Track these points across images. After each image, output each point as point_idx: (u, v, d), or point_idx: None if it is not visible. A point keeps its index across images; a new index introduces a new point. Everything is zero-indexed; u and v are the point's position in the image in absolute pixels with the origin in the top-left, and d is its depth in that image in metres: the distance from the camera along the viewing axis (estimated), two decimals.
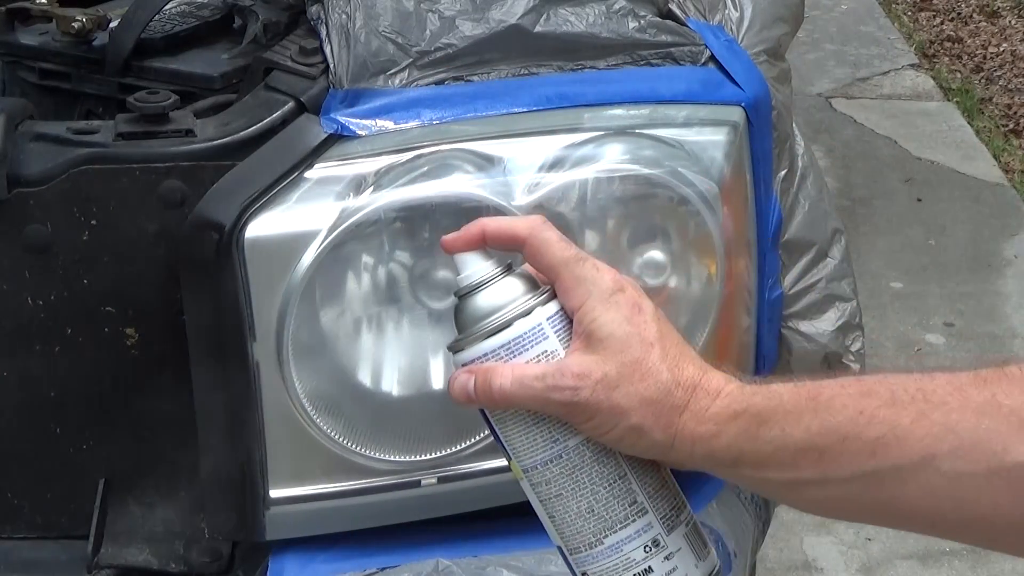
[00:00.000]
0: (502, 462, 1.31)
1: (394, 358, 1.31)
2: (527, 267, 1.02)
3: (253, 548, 1.36)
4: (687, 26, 1.43)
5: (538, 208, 1.28)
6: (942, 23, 5.80)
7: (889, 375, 0.92)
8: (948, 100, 5.00)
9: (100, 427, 1.34)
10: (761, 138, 1.43)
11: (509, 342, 0.98)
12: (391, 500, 1.34)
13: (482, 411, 1.01)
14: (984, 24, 5.75)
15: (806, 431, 0.91)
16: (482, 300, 0.99)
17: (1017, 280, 3.74)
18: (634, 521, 0.98)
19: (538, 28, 1.35)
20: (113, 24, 1.52)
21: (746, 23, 1.54)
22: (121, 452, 1.36)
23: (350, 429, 1.30)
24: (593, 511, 0.98)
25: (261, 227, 1.24)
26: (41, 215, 1.27)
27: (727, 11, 1.54)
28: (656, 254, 1.34)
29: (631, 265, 1.34)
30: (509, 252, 1.01)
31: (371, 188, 1.26)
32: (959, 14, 5.87)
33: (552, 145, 1.31)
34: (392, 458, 1.32)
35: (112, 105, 1.50)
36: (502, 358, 0.98)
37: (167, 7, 1.52)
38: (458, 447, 1.32)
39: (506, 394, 0.97)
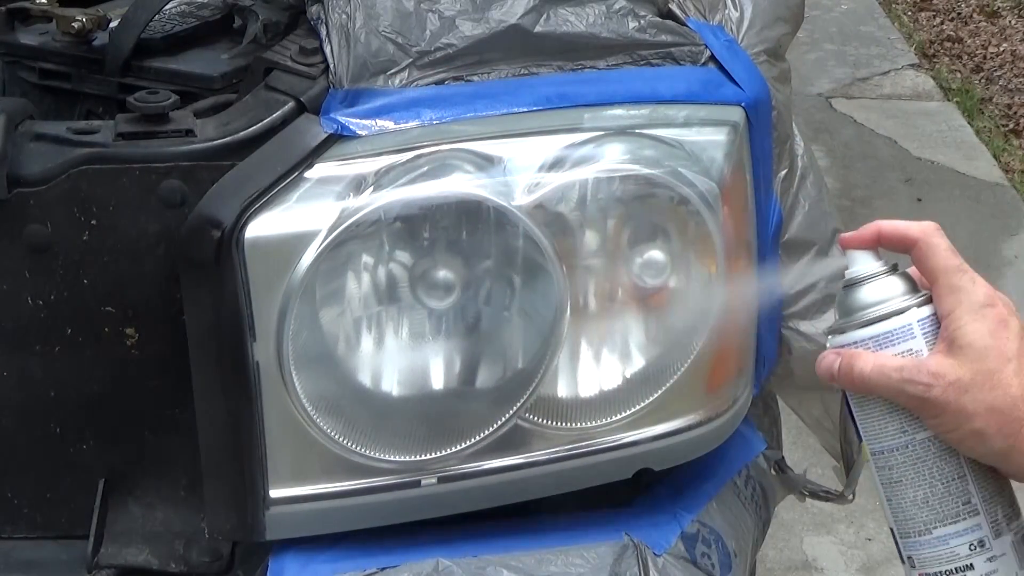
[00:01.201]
0: (502, 462, 1.32)
1: (394, 358, 1.31)
2: (912, 271, 1.10)
3: (253, 548, 1.36)
4: (687, 26, 1.43)
5: (538, 208, 1.28)
6: (942, 23, 5.81)
7: None
8: (948, 100, 5.00)
9: (100, 427, 1.34)
10: (761, 138, 1.43)
11: (880, 334, 1.07)
12: (391, 500, 1.34)
13: (844, 394, 1.10)
14: (984, 24, 5.75)
15: None
16: (865, 292, 1.09)
17: (1017, 280, 3.74)
18: (965, 519, 1.06)
19: (538, 28, 1.35)
20: (113, 24, 1.52)
21: (746, 23, 1.54)
22: (121, 452, 1.36)
23: (350, 429, 1.30)
24: (928, 502, 1.06)
25: (261, 227, 1.24)
26: (41, 215, 1.27)
27: (727, 11, 1.54)
28: (656, 254, 1.34)
29: (631, 265, 1.34)
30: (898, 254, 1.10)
31: (371, 188, 1.26)
32: (959, 14, 5.88)
33: (552, 145, 1.31)
34: (392, 458, 1.32)
35: (112, 105, 1.50)
36: (870, 347, 1.07)
37: (167, 7, 1.52)
38: (458, 447, 1.32)
39: (865, 379, 1.06)
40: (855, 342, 1.08)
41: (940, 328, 1.05)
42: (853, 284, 1.10)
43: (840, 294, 1.11)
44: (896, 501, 1.09)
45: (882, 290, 1.09)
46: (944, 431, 1.04)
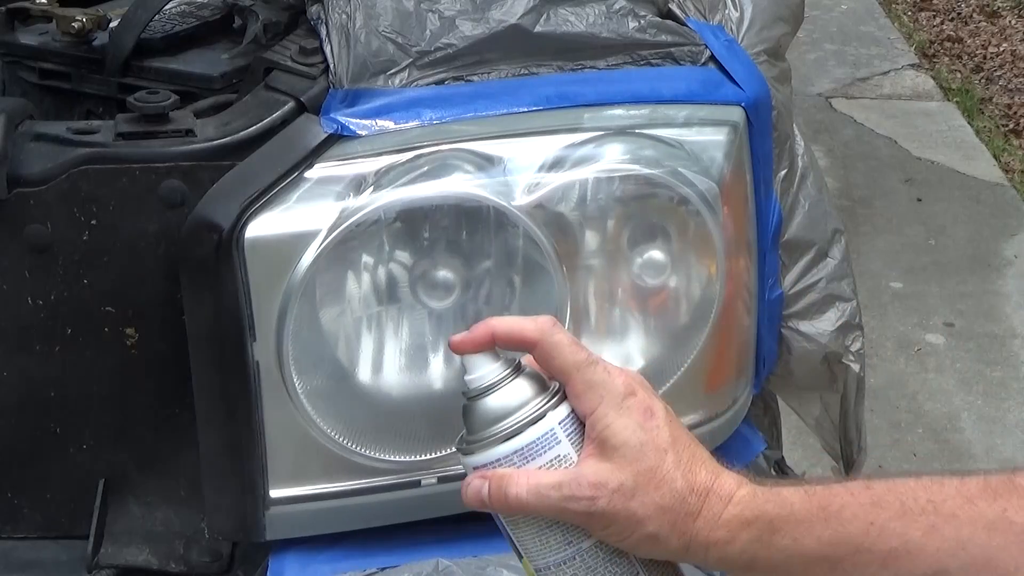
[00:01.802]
0: None
1: (394, 358, 1.31)
2: (531, 362, 1.02)
3: (253, 548, 1.36)
4: (687, 26, 1.43)
5: (538, 208, 1.28)
6: (942, 23, 5.81)
7: (897, 482, 0.94)
8: (948, 100, 5.00)
9: (100, 427, 1.34)
10: (761, 138, 1.43)
11: (522, 448, 0.98)
12: (391, 500, 1.34)
13: (495, 515, 1.01)
14: (984, 24, 5.75)
15: (817, 541, 0.94)
16: (493, 403, 0.99)
17: (1017, 280, 3.74)
18: None
19: (538, 28, 1.35)
20: (113, 24, 1.52)
21: (746, 23, 1.54)
22: (121, 452, 1.36)
23: (350, 429, 1.30)
24: None
25: (261, 227, 1.24)
26: (41, 215, 1.27)
27: (727, 11, 1.54)
28: (656, 254, 1.34)
29: (631, 265, 1.34)
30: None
31: (371, 188, 1.26)
32: (959, 14, 5.88)
33: (552, 145, 1.31)
34: (392, 458, 1.32)
35: (112, 105, 1.50)
36: (515, 464, 0.98)
37: (167, 7, 1.52)
38: None
39: (522, 503, 0.97)
40: (498, 460, 0.99)
41: (584, 427, 0.98)
42: (478, 395, 1.00)
43: (466, 406, 1.01)
44: None
45: (512, 396, 0.99)
46: (616, 540, 0.98)
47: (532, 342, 1.00)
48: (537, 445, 0.98)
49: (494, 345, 1.01)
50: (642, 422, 0.97)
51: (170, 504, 1.37)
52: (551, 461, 0.98)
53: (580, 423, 0.99)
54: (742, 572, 0.98)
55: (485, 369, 1.00)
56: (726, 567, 0.98)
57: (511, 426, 0.98)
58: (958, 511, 0.90)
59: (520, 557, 1.02)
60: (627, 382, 0.99)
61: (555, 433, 0.98)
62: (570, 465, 0.98)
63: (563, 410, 0.99)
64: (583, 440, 0.99)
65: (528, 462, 0.98)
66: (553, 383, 1.01)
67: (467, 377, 1.01)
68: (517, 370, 1.01)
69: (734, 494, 0.97)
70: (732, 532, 0.96)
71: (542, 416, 0.98)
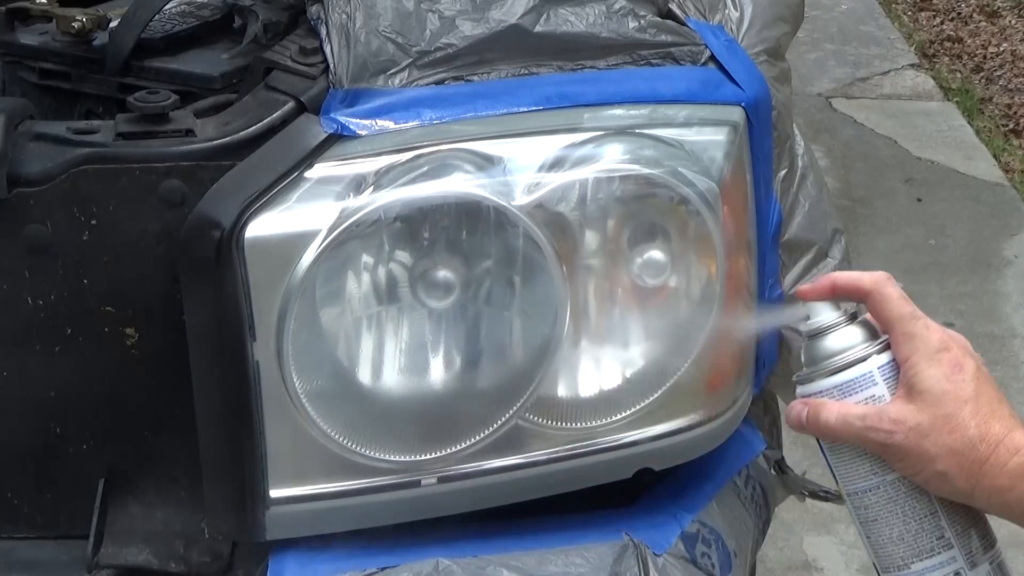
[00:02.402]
0: (502, 462, 1.32)
1: (394, 358, 1.31)
2: (869, 317, 1.15)
3: (253, 548, 1.36)
4: (687, 26, 1.43)
5: (538, 208, 1.28)
6: (942, 23, 5.81)
7: None
8: (948, 100, 5.00)
9: (100, 427, 1.34)
10: (761, 138, 1.43)
11: (843, 383, 1.13)
12: (391, 500, 1.34)
13: (818, 440, 1.16)
14: (984, 24, 5.75)
15: None
16: (827, 343, 1.15)
17: (1017, 280, 3.74)
18: (940, 553, 1.12)
19: (538, 28, 1.35)
20: (113, 24, 1.52)
21: (746, 23, 1.54)
22: (121, 452, 1.36)
23: (350, 429, 1.30)
24: (904, 539, 1.12)
25: (261, 227, 1.24)
26: (41, 215, 1.27)
27: (727, 11, 1.54)
28: (656, 254, 1.34)
29: (631, 265, 1.34)
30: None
31: (371, 188, 1.26)
32: (959, 14, 5.87)
33: (552, 145, 1.31)
34: (392, 458, 1.32)
35: (112, 105, 1.50)
36: (834, 396, 1.13)
37: (167, 7, 1.52)
38: (458, 447, 1.32)
39: (831, 428, 1.12)
40: (820, 391, 1.14)
41: (899, 374, 1.11)
42: (815, 334, 1.15)
43: (804, 344, 1.16)
44: (874, 539, 1.14)
45: (843, 339, 1.14)
46: (910, 473, 1.10)
47: (866, 291, 1.14)
48: (856, 383, 1.12)
49: (834, 295, 1.15)
50: (949, 374, 1.09)
51: (170, 504, 1.37)
52: (866, 399, 1.12)
53: (898, 371, 1.12)
54: (1020, 520, 1.08)
55: (824, 314, 1.15)
56: (1007, 515, 1.08)
57: (836, 364, 1.13)
58: None
59: (836, 483, 1.16)
60: (943, 338, 1.11)
61: (873, 375, 1.12)
62: (880, 404, 1.11)
63: (885, 357, 1.13)
64: (897, 386, 1.11)
65: (846, 396, 1.12)
66: (883, 336, 1.13)
67: (809, 320, 1.16)
68: (852, 318, 1.15)
69: (1022, 448, 1.06)
70: (1013, 480, 1.06)
71: (864, 359, 1.13)
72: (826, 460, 1.17)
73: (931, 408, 1.08)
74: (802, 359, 1.17)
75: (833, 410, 1.12)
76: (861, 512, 1.15)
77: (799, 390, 1.16)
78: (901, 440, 1.08)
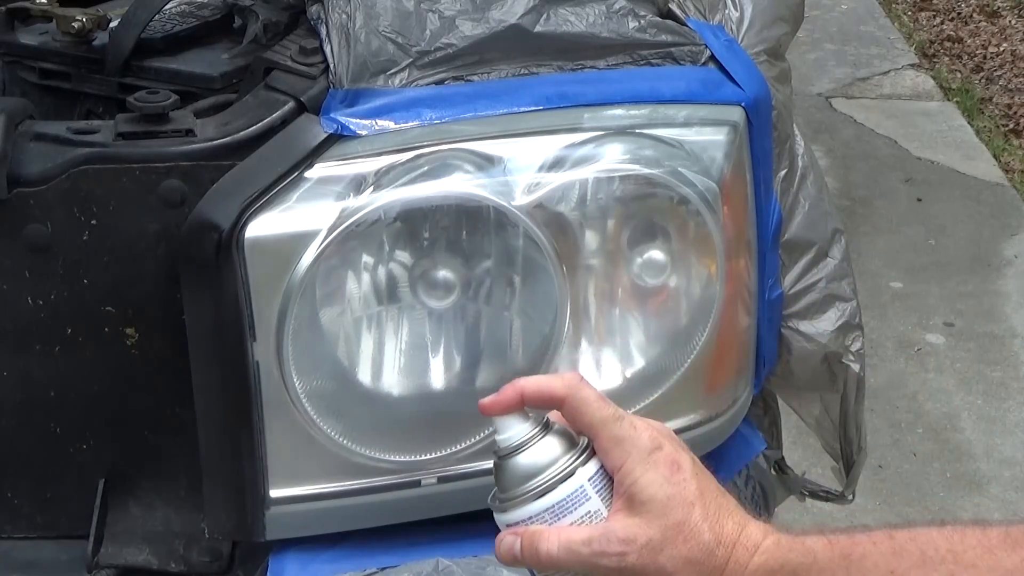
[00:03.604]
0: None
1: (394, 358, 1.31)
2: (560, 419, 1.04)
3: (253, 548, 1.36)
4: (687, 26, 1.43)
5: (538, 208, 1.28)
6: (942, 23, 5.80)
7: (919, 531, 0.96)
8: (948, 100, 5.00)
9: (100, 427, 1.34)
10: (761, 138, 1.43)
11: (553, 505, 1.00)
12: (391, 500, 1.34)
13: (531, 572, 1.03)
14: (984, 24, 5.75)
15: None
16: (524, 461, 1.02)
17: (1017, 280, 3.74)
18: None
19: (538, 28, 1.35)
20: (113, 24, 1.52)
21: (746, 23, 1.54)
22: (121, 452, 1.36)
23: (350, 429, 1.30)
24: None
25: (261, 227, 1.24)
26: (41, 215, 1.27)
27: (727, 11, 1.54)
28: (656, 254, 1.34)
29: (631, 265, 1.34)
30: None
31: (371, 188, 1.26)
32: (959, 14, 5.87)
33: (552, 145, 1.31)
34: (392, 458, 1.32)
35: (112, 105, 1.50)
36: (547, 520, 1.01)
37: (167, 7, 1.52)
38: (458, 447, 1.32)
39: (553, 558, 1.00)
40: (530, 518, 1.01)
41: (613, 482, 1.01)
42: (509, 454, 1.02)
43: (497, 464, 1.03)
44: None
45: (542, 454, 1.02)
46: None
47: (560, 399, 1.02)
48: (568, 502, 1.00)
49: (523, 405, 1.03)
50: (669, 476, 0.99)
51: (170, 504, 1.37)
52: (582, 517, 1.00)
53: (610, 479, 1.01)
54: None
55: (515, 429, 1.02)
56: None
57: (542, 484, 1.01)
58: (978, 561, 0.91)
59: None
60: (653, 436, 1.01)
61: (585, 490, 1.01)
62: (600, 520, 1.00)
63: (592, 466, 1.01)
64: (612, 495, 1.01)
65: (559, 519, 1.00)
66: (582, 439, 1.02)
67: (497, 437, 1.03)
68: (546, 428, 1.03)
69: (760, 544, 0.99)
70: None
71: (572, 473, 1.00)
72: None
73: (659, 519, 0.98)
74: (496, 482, 1.03)
75: (552, 539, 1.00)
76: None
77: (502, 518, 1.03)
78: (635, 560, 0.98)
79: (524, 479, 1.01)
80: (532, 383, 1.04)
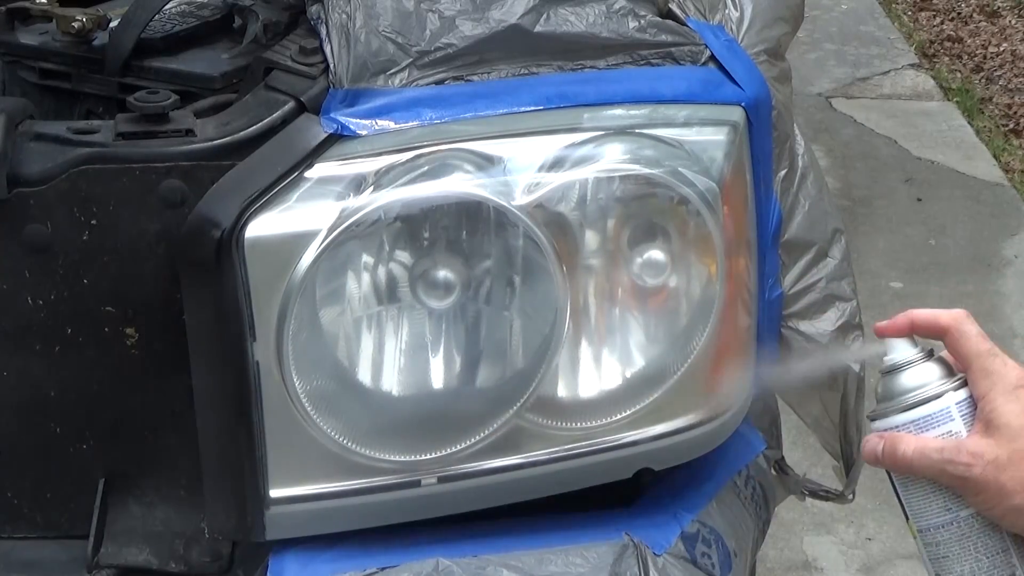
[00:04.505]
0: (502, 462, 1.32)
1: (394, 358, 1.31)
2: (946, 355, 1.16)
3: (253, 548, 1.36)
4: (687, 26, 1.43)
5: (538, 208, 1.28)
6: (942, 23, 5.81)
7: None
8: (948, 100, 5.00)
9: (100, 427, 1.34)
10: (761, 138, 1.43)
11: (920, 418, 1.13)
12: (391, 500, 1.34)
13: (889, 475, 1.16)
14: (984, 24, 5.75)
15: None
16: (904, 378, 1.15)
17: (1017, 280, 3.74)
18: None
19: (538, 28, 1.35)
20: (113, 24, 1.52)
21: (746, 23, 1.54)
22: (121, 452, 1.36)
23: (350, 429, 1.30)
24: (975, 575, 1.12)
25: (261, 227, 1.24)
26: (41, 215, 1.27)
27: (727, 11, 1.54)
28: (656, 254, 1.34)
29: (631, 265, 1.34)
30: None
31: (371, 188, 1.26)
32: (959, 14, 5.87)
33: (552, 145, 1.31)
34: (392, 458, 1.32)
35: (112, 105, 1.50)
36: (911, 431, 1.13)
37: (167, 7, 1.52)
38: (458, 447, 1.32)
39: (908, 461, 1.12)
40: (897, 426, 1.13)
41: (976, 410, 1.11)
42: (892, 370, 1.16)
43: (881, 379, 1.16)
44: (944, 575, 1.14)
45: (920, 376, 1.15)
46: (985, 508, 1.10)
47: (944, 328, 1.15)
48: (933, 418, 1.12)
49: (912, 332, 1.16)
50: None
51: (170, 504, 1.37)
52: (943, 434, 1.12)
53: (975, 407, 1.12)
54: None
55: (901, 350, 1.16)
56: None
57: (913, 399, 1.13)
58: None
59: (907, 518, 1.16)
60: (1021, 375, 1.11)
61: (950, 411, 1.12)
62: (958, 439, 1.11)
63: (962, 394, 1.13)
64: (975, 422, 1.11)
65: (923, 431, 1.12)
66: (959, 373, 1.14)
67: (886, 357, 1.16)
68: (929, 356, 1.16)
69: None
70: None
71: (941, 395, 1.13)
72: (897, 495, 1.17)
73: (1009, 442, 1.08)
74: (877, 394, 1.16)
75: (910, 443, 1.12)
76: (932, 549, 1.14)
77: (874, 425, 1.16)
78: (979, 473, 1.08)
79: (900, 393, 1.14)
80: (923, 314, 1.17)
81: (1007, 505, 1.08)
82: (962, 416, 1.12)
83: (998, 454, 1.08)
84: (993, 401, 1.10)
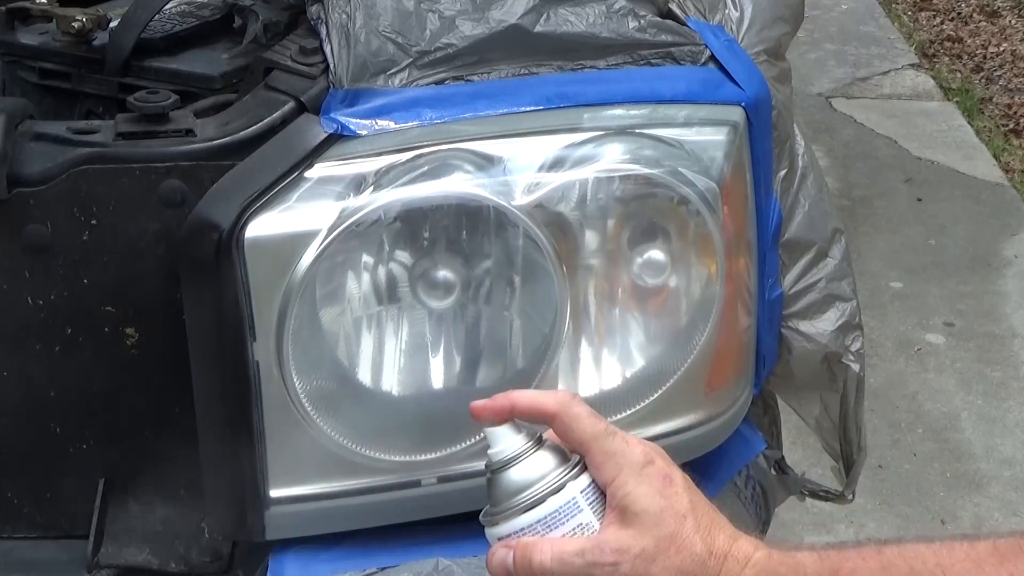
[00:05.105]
0: None
1: (394, 358, 1.31)
2: (551, 435, 1.05)
3: (253, 548, 1.36)
4: (687, 26, 1.43)
5: (538, 208, 1.28)
6: (942, 23, 5.80)
7: (908, 546, 0.96)
8: (948, 100, 5.00)
9: (100, 427, 1.34)
10: (761, 138, 1.43)
11: (545, 517, 1.01)
12: (391, 500, 1.34)
13: None
14: (984, 24, 5.75)
15: None
16: (515, 475, 1.03)
17: (1017, 280, 3.74)
18: None
19: (538, 28, 1.35)
20: (113, 24, 1.52)
21: (746, 23, 1.54)
22: (121, 452, 1.36)
23: (350, 429, 1.30)
24: None
25: (261, 227, 1.24)
26: (41, 215, 1.27)
27: (727, 11, 1.54)
28: (656, 254, 1.34)
29: (631, 265, 1.34)
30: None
31: (371, 188, 1.26)
32: (959, 14, 5.87)
33: (552, 145, 1.31)
34: (392, 458, 1.32)
35: (112, 105, 1.50)
36: (538, 532, 1.01)
37: (167, 7, 1.52)
38: (458, 447, 1.32)
39: (546, 570, 1.00)
40: (521, 530, 1.02)
41: (605, 496, 1.02)
42: (501, 467, 1.04)
43: (489, 479, 1.04)
44: None
45: (534, 468, 1.03)
46: None
47: (551, 415, 1.03)
48: (559, 514, 1.01)
49: (513, 415, 1.04)
50: (661, 489, 1.00)
51: (170, 504, 1.37)
52: (573, 529, 1.01)
53: (601, 493, 1.02)
54: None
55: (507, 442, 1.04)
56: None
57: (533, 496, 1.02)
58: (966, 575, 0.92)
59: None
60: (645, 451, 1.02)
61: (576, 502, 1.01)
62: (592, 533, 1.01)
63: (584, 480, 1.02)
64: (604, 509, 1.01)
65: (551, 531, 1.01)
66: (574, 455, 1.03)
67: (490, 450, 1.04)
68: (538, 443, 1.04)
69: (750, 557, 0.99)
70: None
71: (563, 486, 1.02)
72: None
73: (651, 529, 0.99)
74: (488, 497, 1.04)
75: (545, 550, 1.00)
76: None
77: (493, 532, 1.04)
78: (627, 570, 0.98)
79: (516, 492, 1.02)
80: (524, 397, 1.05)
81: None
82: (590, 505, 1.02)
83: (644, 545, 0.99)
84: (624, 486, 1.00)
